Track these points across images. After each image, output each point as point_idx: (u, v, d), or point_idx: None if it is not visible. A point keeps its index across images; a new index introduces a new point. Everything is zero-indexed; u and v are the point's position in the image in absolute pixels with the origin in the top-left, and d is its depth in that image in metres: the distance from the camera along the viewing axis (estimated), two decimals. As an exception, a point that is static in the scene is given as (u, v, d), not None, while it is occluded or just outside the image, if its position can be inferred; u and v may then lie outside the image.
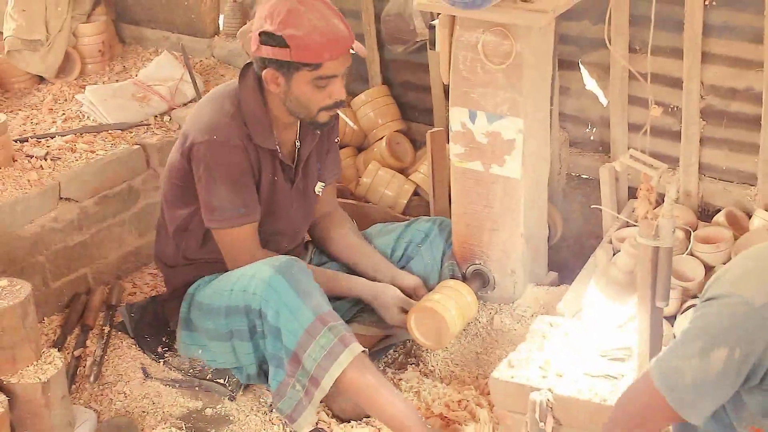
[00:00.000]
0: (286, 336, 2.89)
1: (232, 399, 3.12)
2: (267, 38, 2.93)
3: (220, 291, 3.06)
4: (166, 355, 3.30)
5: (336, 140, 3.37)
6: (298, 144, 3.20)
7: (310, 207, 3.34)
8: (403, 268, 3.38)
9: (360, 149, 4.32)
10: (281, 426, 3.02)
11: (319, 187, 3.32)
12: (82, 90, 4.18)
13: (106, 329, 3.45)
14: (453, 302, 3.18)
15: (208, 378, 3.17)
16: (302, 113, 3.05)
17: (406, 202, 4.04)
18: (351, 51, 3.00)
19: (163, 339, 3.35)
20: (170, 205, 3.22)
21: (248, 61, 3.12)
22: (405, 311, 3.15)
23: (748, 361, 1.96)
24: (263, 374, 3.08)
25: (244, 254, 3.09)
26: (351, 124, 3.17)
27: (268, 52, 2.95)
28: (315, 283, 2.97)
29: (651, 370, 2.07)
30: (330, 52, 2.93)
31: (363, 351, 2.90)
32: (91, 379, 3.22)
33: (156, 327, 3.40)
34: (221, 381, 3.15)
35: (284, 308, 2.88)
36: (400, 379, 3.16)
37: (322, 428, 2.96)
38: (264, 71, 3.00)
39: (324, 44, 2.91)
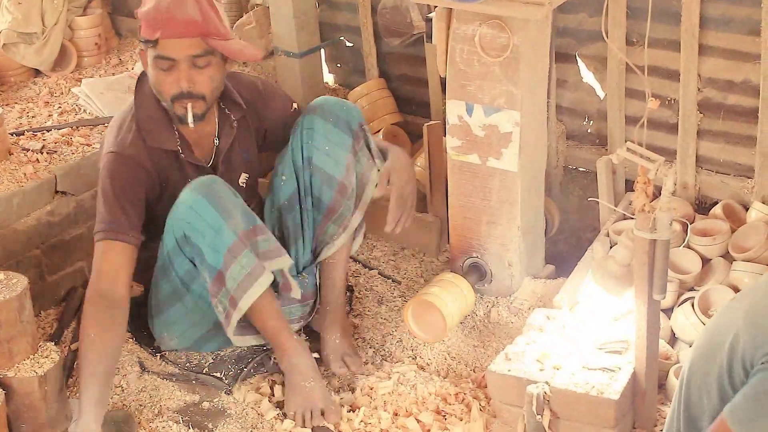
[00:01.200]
0: (210, 255, 2.84)
1: (228, 392, 3.12)
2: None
3: (162, 241, 2.98)
4: (162, 349, 3.29)
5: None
6: (216, 142, 3.08)
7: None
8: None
9: (357, 142, 4.32)
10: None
11: (243, 178, 3.19)
12: (78, 83, 4.17)
13: (103, 323, 3.45)
14: (450, 295, 3.18)
15: (204, 372, 3.17)
16: (162, 101, 2.95)
17: (403, 195, 4.03)
18: (208, 40, 2.83)
19: (160, 332, 3.35)
20: None
21: None
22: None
23: None
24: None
25: (102, 272, 2.90)
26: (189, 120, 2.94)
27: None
28: (238, 200, 2.89)
29: (730, 421, 2.02)
30: (164, 30, 2.80)
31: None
32: (88, 372, 3.22)
33: (152, 320, 3.39)
34: (218, 375, 3.15)
35: (208, 228, 2.82)
36: (396, 372, 3.15)
37: (326, 427, 2.94)
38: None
39: (158, 20, 2.81)
